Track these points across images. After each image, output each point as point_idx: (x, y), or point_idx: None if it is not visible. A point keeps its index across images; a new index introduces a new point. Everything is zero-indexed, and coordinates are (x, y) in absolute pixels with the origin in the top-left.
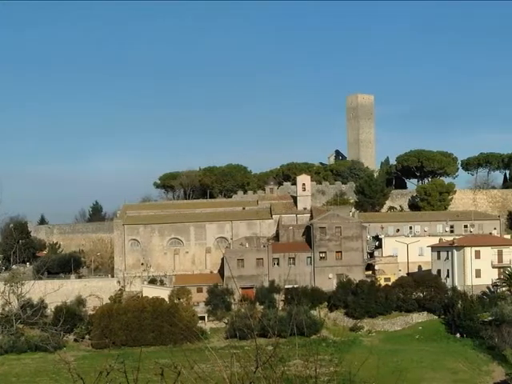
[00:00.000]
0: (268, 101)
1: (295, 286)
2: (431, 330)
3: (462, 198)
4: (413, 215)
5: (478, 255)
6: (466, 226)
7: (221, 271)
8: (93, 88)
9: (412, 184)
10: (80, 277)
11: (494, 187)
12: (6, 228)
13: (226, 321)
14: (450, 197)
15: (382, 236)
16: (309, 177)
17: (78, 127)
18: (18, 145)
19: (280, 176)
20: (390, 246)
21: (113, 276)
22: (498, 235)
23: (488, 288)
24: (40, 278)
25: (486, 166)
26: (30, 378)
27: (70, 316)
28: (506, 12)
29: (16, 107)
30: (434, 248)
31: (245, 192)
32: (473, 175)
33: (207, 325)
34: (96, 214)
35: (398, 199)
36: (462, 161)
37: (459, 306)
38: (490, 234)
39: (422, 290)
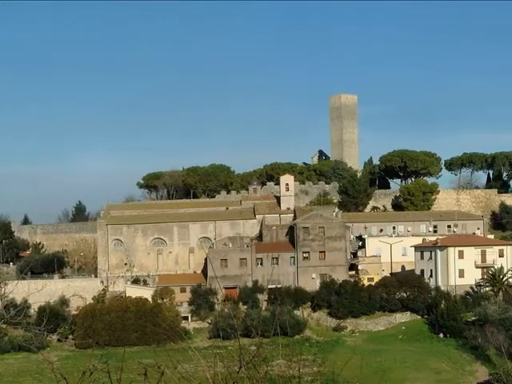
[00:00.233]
0: (251, 101)
1: (278, 286)
2: (414, 330)
3: (446, 198)
4: (396, 215)
5: (461, 255)
6: (449, 226)
7: (204, 271)
8: (76, 88)
9: (395, 184)
10: (63, 277)
11: (477, 187)
12: None
13: (210, 321)
14: (433, 197)
15: (365, 236)
16: (292, 177)
17: (61, 127)
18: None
19: (263, 176)
20: (373, 246)
21: (96, 276)
22: (482, 235)
23: (471, 288)
24: (23, 278)
25: (470, 166)
26: (13, 378)
27: (54, 316)
28: (490, 12)
29: None
30: (417, 248)
31: (228, 192)
32: (456, 175)
33: (190, 325)
34: (79, 214)
35: (382, 199)
36: (445, 161)
37: (442, 305)
38: (474, 234)
39: (406, 290)
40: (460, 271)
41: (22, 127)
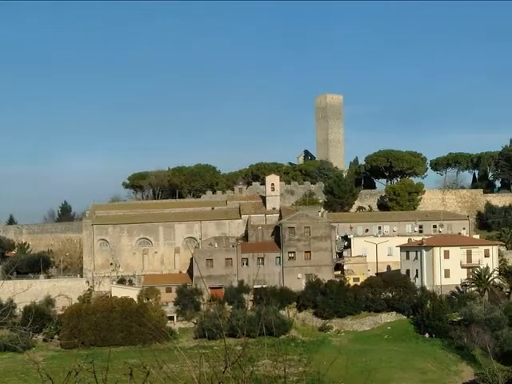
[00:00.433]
0: (237, 101)
1: (264, 286)
2: (400, 330)
3: (431, 198)
4: (382, 215)
5: (446, 255)
6: (434, 226)
7: (190, 271)
8: (61, 88)
9: (381, 184)
10: (49, 277)
11: (462, 187)
12: None
13: (195, 321)
14: (418, 197)
15: (350, 236)
16: (278, 177)
17: (47, 127)
18: None
19: (249, 176)
20: (358, 245)
21: (82, 276)
22: (467, 235)
23: (457, 288)
24: (9, 278)
25: (455, 166)
26: None
27: (39, 316)
28: (476, 12)
29: None
30: (402, 248)
31: (214, 192)
32: (442, 175)
33: (176, 325)
34: (65, 214)
35: (367, 199)
36: (430, 161)
37: (428, 305)
38: (459, 234)
39: (391, 290)
40: (445, 271)
41: (4, 127)
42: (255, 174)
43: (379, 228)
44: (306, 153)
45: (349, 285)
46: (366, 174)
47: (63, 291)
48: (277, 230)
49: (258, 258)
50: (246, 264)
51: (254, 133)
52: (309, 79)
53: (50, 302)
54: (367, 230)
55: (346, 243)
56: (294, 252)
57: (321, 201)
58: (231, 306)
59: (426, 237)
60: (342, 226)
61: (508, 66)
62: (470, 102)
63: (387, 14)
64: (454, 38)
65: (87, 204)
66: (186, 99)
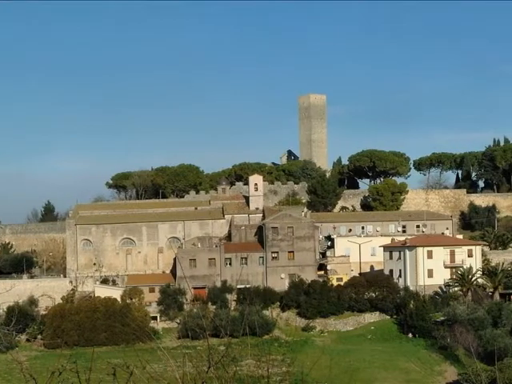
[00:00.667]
0: (220, 100)
1: (247, 285)
2: (383, 330)
3: (415, 198)
4: (365, 215)
5: (430, 255)
6: (418, 226)
7: (173, 271)
8: (44, 87)
9: (364, 184)
10: (32, 277)
11: (446, 187)
12: None
13: (179, 321)
14: (402, 197)
15: (334, 236)
16: (261, 177)
17: (30, 127)
18: None
19: (232, 176)
20: (342, 245)
21: (65, 276)
22: (451, 235)
23: (440, 288)
24: None
25: (439, 166)
26: None
27: (23, 316)
28: (460, 13)
29: None
30: (386, 248)
31: (197, 192)
32: (425, 175)
33: (159, 325)
34: (48, 214)
35: (351, 199)
36: (414, 161)
37: (411, 305)
38: (443, 233)
39: (375, 289)
40: (429, 271)
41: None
42: (238, 174)
43: (362, 228)
44: (290, 153)
45: (332, 285)
46: (350, 174)
47: (46, 291)
48: (260, 230)
49: (242, 258)
50: (230, 264)
51: (238, 133)
52: (292, 79)
53: (33, 302)
54: (350, 230)
55: (329, 243)
56: (277, 252)
57: (304, 201)
58: (214, 306)
59: (409, 237)
60: (326, 226)
61: (491, 66)
62: (454, 102)
63: (371, 14)
64: (438, 38)
65: (70, 204)
66: (169, 99)
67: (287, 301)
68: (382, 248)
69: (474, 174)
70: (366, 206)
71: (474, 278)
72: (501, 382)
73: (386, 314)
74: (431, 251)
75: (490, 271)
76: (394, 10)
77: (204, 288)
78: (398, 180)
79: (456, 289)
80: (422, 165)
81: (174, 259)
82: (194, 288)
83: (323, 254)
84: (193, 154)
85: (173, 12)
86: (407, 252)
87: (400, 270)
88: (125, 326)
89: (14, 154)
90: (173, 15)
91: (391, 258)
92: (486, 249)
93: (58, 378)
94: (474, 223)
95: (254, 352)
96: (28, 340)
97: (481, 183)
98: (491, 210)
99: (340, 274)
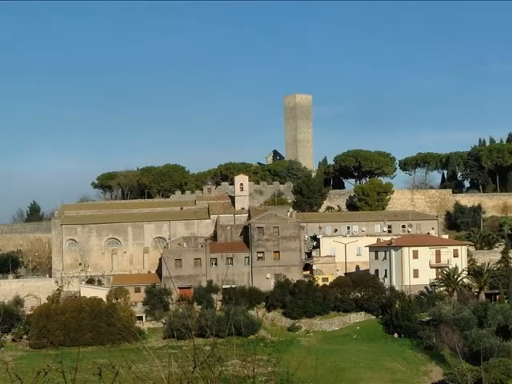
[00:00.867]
0: (206, 100)
1: (233, 286)
2: (369, 330)
3: (400, 198)
4: (351, 215)
5: (415, 255)
6: (403, 226)
7: (159, 271)
8: (29, 86)
9: (350, 184)
10: (18, 277)
11: (431, 187)
12: None
13: (164, 321)
14: (387, 197)
15: (319, 236)
16: (247, 177)
17: (15, 127)
18: None
19: (218, 176)
20: (327, 245)
21: (51, 276)
22: (436, 235)
23: (426, 288)
24: None
25: (424, 166)
26: None
27: (8, 316)
28: (445, 13)
29: None
30: (371, 248)
31: (183, 192)
32: (411, 175)
33: (145, 325)
34: (34, 214)
35: (336, 199)
36: (399, 161)
37: (397, 305)
38: (428, 234)
39: (360, 290)
40: (414, 271)
41: None
42: (224, 174)
43: (348, 228)
44: (275, 153)
45: (318, 285)
46: (335, 173)
47: (32, 291)
48: (246, 230)
49: (227, 257)
50: (215, 264)
51: (223, 133)
52: (278, 79)
53: (18, 301)
54: (336, 230)
55: (314, 243)
56: (262, 252)
57: (290, 201)
58: (200, 306)
59: (394, 237)
60: (311, 226)
61: (477, 66)
62: (440, 102)
63: (356, 14)
64: (424, 38)
65: (56, 204)
66: (154, 99)
67: (273, 301)
68: (368, 248)
69: (459, 174)
70: (351, 206)
71: (459, 278)
72: (486, 382)
73: (371, 314)
74: (417, 251)
75: (475, 271)
76: (377, 10)
77: (190, 288)
78: (384, 180)
79: (442, 289)
80: (408, 165)
81: (160, 259)
82: (180, 288)
83: (309, 254)
84: (178, 153)
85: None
86: (393, 252)
87: (386, 270)
88: (110, 326)
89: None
90: (157, 15)
91: (377, 258)
92: (472, 249)
93: (43, 378)
94: (459, 223)
95: (239, 352)
96: (14, 340)
97: (466, 183)
98: (477, 210)
99: (326, 274)
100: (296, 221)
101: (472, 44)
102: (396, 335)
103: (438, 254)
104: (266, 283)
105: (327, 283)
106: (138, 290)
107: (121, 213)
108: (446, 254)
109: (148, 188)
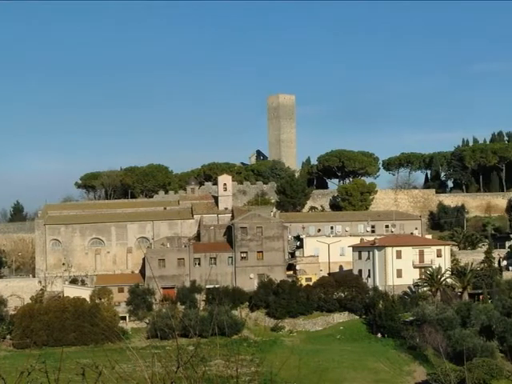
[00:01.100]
0: (189, 100)
1: (216, 285)
2: (352, 330)
3: (384, 198)
4: (334, 215)
5: (399, 255)
6: (387, 226)
7: (142, 271)
8: (13, 87)
9: (333, 184)
10: (1, 277)
11: (415, 187)
12: None
13: (148, 321)
14: (371, 197)
15: (303, 236)
16: (230, 177)
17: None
18: None
19: (201, 176)
20: (311, 246)
21: (34, 276)
22: (419, 235)
23: (409, 288)
24: None
25: (408, 166)
26: None
27: None
28: (429, 13)
29: None
30: (355, 248)
31: (166, 192)
32: (394, 175)
33: (128, 325)
34: (17, 214)
35: (320, 199)
36: (383, 161)
37: (380, 305)
38: (412, 234)
39: (344, 290)
40: (398, 271)
41: None
42: (207, 174)
43: (331, 228)
44: (259, 153)
45: (301, 285)
46: (319, 174)
47: (15, 291)
48: (229, 230)
49: (211, 258)
50: (199, 264)
51: (206, 133)
52: (261, 79)
53: (2, 301)
54: (319, 230)
55: (298, 243)
56: (246, 252)
57: (273, 201)
58: (183, 306)
59: (378, 237)
60: (295, 226)
61: (460, 66)
62: (423, 102)
63: (339, 14)
64: (406, 38)
65: (39, 204)
66: (137, 98)
67: (256, 301)
68: (351, 248)
69: (442, 174)
70: (335, 206)
71: (442, 278)
72: (470, 382)
73: (355, 314)
74: (400, 251)
75: (458, 271)
76: (357, 11)
77: (173, 288)
78: (367, 180)
79: (425, 289)
80: (391, 165)
81: (143, 259)
82: (163, 288)
83: (292, 254)
84: (162, 154)
85: (137, 11)
86: (376, 252)
87: (369, 270)
88: (94, 326)
89: None
90: (138, 14)
91: (360, 258)
92: (455, 249)
93: (26, 377)
94: (442, 223)
95: (223, 352)
96: None
97: (450, 183)
98: (460, 210)
99: (309, 273)
100: (279, 221)
101: (456, 44)
102: (379, 335)
103: (421, 254)
104: (249, 283)
105: (310, 283)
106: (121, 290)
107: (104, 213)
108: (430, 253)
109: (131, 188)
